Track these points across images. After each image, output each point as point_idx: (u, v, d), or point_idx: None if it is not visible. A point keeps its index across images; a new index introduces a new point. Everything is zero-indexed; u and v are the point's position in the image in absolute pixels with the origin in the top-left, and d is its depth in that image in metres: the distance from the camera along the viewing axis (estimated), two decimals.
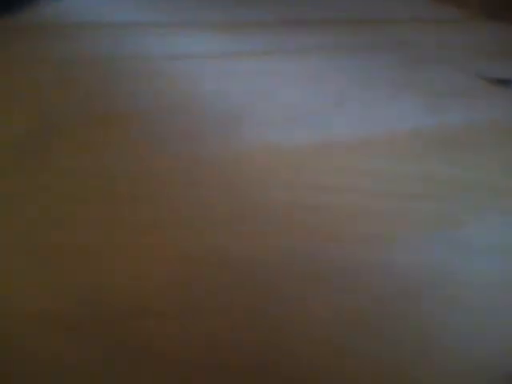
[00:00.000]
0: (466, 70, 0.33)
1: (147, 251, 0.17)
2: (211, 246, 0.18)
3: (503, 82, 0.32)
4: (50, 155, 0.22)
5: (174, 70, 0.30)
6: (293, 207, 0.20)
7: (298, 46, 0.36)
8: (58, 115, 0.24)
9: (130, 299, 0.15)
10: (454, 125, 0.26)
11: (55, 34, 0.34)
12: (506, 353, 0.15)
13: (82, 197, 0.19)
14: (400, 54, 0.35)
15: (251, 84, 0.29)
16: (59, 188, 0.20)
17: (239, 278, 0.16)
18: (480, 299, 0.16)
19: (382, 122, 0.26)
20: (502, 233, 0.19)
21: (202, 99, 0.27)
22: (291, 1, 0.46)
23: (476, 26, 0.44)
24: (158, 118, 0.25)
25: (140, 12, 0.40)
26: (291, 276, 0.17)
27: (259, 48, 0.35)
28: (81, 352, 0.14)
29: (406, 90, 0.30)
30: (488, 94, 0.30)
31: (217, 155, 0.22)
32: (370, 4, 0.49)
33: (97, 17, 0.38)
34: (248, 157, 0.22)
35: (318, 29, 0.39)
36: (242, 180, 0.21)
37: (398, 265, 0.17)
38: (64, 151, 0.22)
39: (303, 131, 0.25)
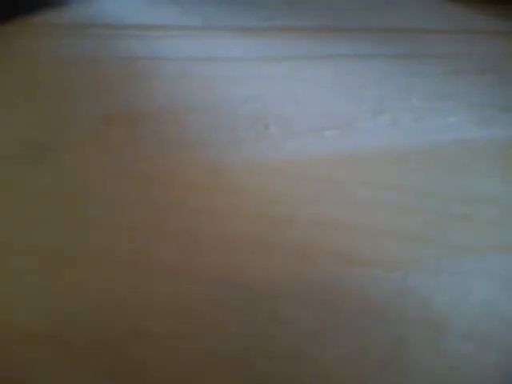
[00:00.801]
0: None
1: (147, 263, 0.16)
2: (226, 268, 0.16)
3: None
4: (62, 156, 0.20)
5: (202, 72, 0.29)
6: (313, 225, 0.18)
7: (331, 53, 0.34)
8: (74, 115, 0.24)
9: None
10: (504, 139, 0.24)
11: (79, 33, 0.34)
12: None
13: (90, 200, 0.18)
14: (442, 64, 0.33)
15: (280, 89, 0.28)
16: (68, 189, 0.19)
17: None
18: None
19: (421, 134, 0.24)
20: None
21: (227, 103, 0.26)
22: (325, 8, 0.45)
23: None
24: (179, 121, 0.24)
25: (170, 15, 0.40)
26: (310, 304, 0.15)
27: (290, 53, 0.33)
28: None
29: (449, 100, 0.28)
30: None
31: (237, 163, 0.21)
32: (410, 14, 0.47)
33: (124, 18, 0.38)
34: (270, 166, 0.21)
35: (354, 36, 0.38)
36: (262, 193, 0.19)
37: (431, 298, 0.15)
38: (77, 152, 0.21)
39: (333, 141, 0.23)
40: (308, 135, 0.23)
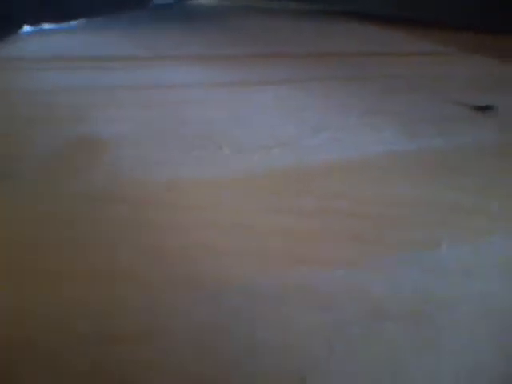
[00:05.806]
0: (446, 99, 0.34)
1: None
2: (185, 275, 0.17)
3: (483, 109, 0.32)
4: (25, 180, 0.22)
5: (155, 99, 0.32)
6: (267, 232, 0.20)
7: (271, 78, 0.37)
8: (36, 141, 0.25)
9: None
10: (433, 148, 0.27)
11: (31, 67, 0.35)
12: None
13: (55, 223, 0.19)
14: (378, 84, 0.36)
15: (227, 112, 0.30)
16: (31, 213, 0.20)
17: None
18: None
19: (359, 147, 0.26)
20: (476, 255, 0.19)
21: (180, 126, 0.27)
22: (260, 35, 0.49)
23: (458, 59, 0.45)
24: (135, 144, 0.25)
25: (120, 47, 0.42)
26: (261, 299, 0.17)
27: (232, 79, 0.36)
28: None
29: (383, 117, 0.30)
30: (468, 121, 0.31)
31: (193, 179, 0.22)
32: (345, 38, 0.50)
33: (76, 51, 0.39)
34: (226, 183, 0.23)
35: (291, 61, 0.41)
36: (218, 207, 0.21)
37: (370, 289, 0.17)
38: (46, 176, 0.22)
39: (280, 158, 0.25)
40: (257, 153, 0.25)
